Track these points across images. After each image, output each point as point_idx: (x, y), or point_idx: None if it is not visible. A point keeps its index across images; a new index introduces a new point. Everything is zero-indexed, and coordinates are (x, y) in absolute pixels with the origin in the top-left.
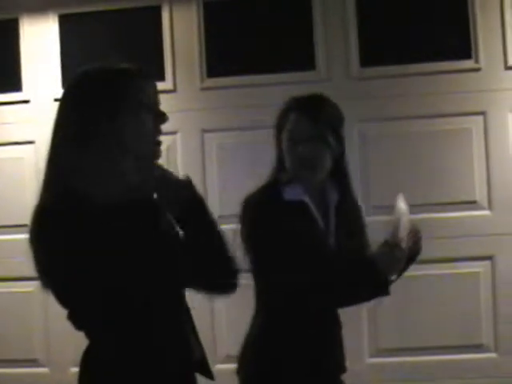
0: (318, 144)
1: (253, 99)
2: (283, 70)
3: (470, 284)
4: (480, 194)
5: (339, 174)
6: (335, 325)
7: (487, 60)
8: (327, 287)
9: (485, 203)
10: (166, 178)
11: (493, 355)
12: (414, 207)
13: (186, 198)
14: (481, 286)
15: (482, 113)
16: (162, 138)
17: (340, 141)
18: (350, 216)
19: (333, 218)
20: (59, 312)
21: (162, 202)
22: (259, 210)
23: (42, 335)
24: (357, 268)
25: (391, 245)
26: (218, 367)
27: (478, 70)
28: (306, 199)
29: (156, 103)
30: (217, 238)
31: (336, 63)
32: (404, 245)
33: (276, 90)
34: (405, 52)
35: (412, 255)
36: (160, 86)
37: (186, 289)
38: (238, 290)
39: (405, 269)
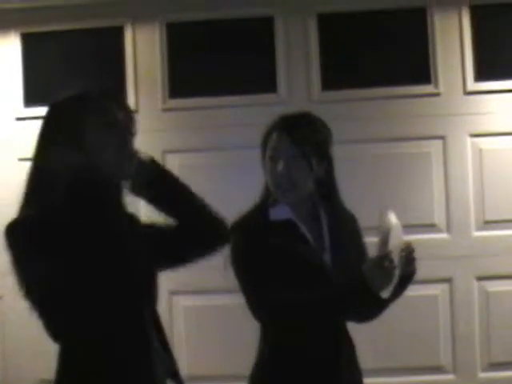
0: (297, 164)
1: (214, 121)
2: (245, 92)
3: (429, 306)
4: (439, 218)
5: (326, 193)
6: (342, 345)
7: (446, 85)
8: (316, 304)
9: (443, 226)
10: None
11: (451, 376)
12: (372, 230)
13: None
14: (439, 308)
15: (442, 137)
16: None
17: (325, 161)
18: (344, 233)
19: (327, 235)
20: (17, 331)
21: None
22: (246, 234)
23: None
24: (346, 283)
25: (380, 256)
26: None
27: (437, 94)
28: (293, 218)
29: (122, 120)
30: (194, 195)
31: (297, 86)
32: (395, 257)
33: (237, 112)
34: (366, 76)
35: (406, 277)
36: None
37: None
38: (197, 311)
39: (399, 291)
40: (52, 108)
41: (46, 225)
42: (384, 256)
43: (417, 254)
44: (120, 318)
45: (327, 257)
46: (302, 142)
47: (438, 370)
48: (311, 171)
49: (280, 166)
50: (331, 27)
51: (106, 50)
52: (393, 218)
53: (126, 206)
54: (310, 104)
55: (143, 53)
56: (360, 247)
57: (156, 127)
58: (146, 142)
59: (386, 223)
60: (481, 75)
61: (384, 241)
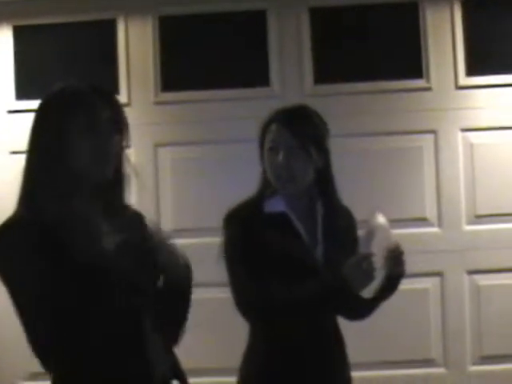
0: (297, 155)
1: (207, 114)
2: (237, 86)
3: (420, 300)
4: (430, 212)
5: (323, 186)
6: (330, 340)
7: (438, 79)
8: (297, 302)
9: (435, 220)
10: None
11: (442, 370)
12: (363, 223)
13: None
14: (430, 301)
15: (433, 131)
16: None
17: (323, 153)
18: (339, 227)
19: (320, 229)
20: (7, 326)
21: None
22: (239, 225)
23: None
24: (327, 282)
25: (358, 258)
26: None
27: (429, 89)
28: (287, 210)
29: (107, 118)
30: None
31: (290, 80)
32: (379, 258)
33: (230, 106)
34: (358, 70)
35: (394, 277)
36: None
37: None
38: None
39: (388, 292)
40: (39, 105)
41: (39, 227)
42: (363, 257)
43: (408, 248)
44: (117, 318)
45: (319, 251)
46: (301, 133)
47: (428, 363)
48: (311, 162)
49: (280, 158)
50: (323, 21)
51: (99, 43)
52: (380, 219)
53: (124, 204)
54: (302, 97)
55: (136, 46)
56: (354, 242)
57: (148, 120)
58: (138, 135)
59: (371, 224)
60: (472, 70)
61: (366, 241)
